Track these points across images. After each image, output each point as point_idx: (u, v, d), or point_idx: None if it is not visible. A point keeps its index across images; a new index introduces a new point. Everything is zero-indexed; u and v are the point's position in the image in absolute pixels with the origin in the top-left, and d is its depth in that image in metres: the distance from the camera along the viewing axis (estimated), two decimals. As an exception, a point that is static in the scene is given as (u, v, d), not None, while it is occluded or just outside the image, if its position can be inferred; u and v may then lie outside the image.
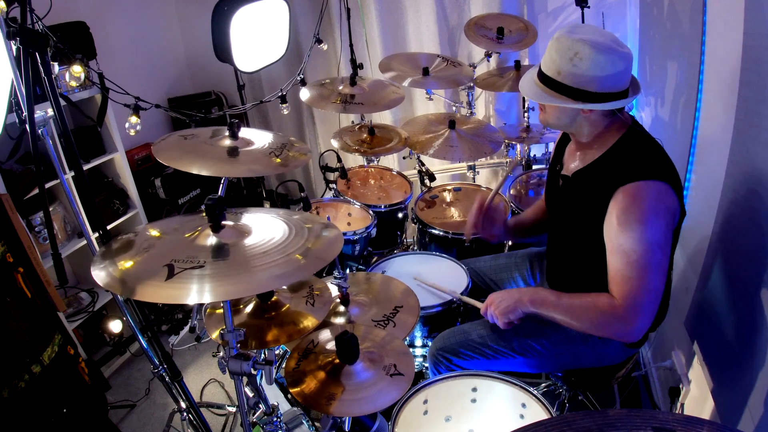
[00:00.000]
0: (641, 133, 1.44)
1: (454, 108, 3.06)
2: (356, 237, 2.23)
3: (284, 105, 2.83)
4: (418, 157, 2.71)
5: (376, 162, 2.81)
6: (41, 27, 1.91)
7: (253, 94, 3.56)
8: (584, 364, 1.63)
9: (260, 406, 1.37)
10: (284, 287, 1.56)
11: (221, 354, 1.21)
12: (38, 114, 1.35)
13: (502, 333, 1.60)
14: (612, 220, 1.34)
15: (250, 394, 1.37)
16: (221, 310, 1.40)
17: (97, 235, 1.46)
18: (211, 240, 1.13)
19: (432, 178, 2.67)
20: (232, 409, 2.36)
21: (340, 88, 2.48)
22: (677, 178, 1.36)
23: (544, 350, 1.59)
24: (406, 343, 1.53)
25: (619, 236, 1.32)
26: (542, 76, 1.40)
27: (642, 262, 1.30)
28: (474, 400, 1.50)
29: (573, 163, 1.55)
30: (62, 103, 1.73)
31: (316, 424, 1.56)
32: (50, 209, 2.42)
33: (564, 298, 1.44)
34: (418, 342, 1.89)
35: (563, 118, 1.45)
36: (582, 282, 1.54)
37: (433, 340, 1.71)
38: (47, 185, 2.29)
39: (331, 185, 2.68)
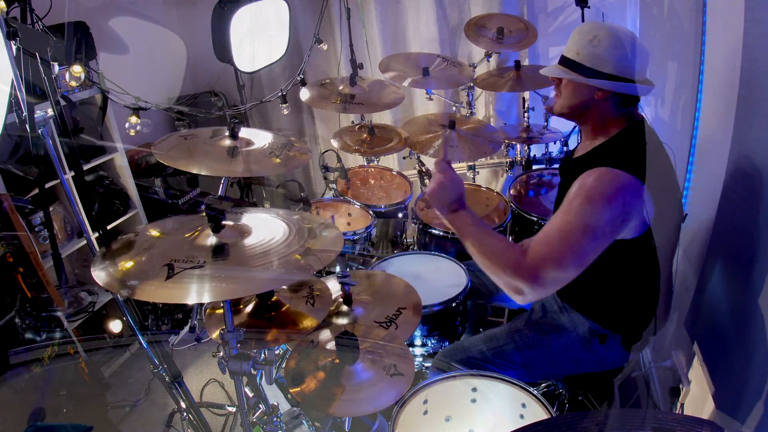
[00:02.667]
0: (642, 132, 1.43)
1: (454, 108, 3.06)
2: (356, 237, 2.23)
3: (284, 105, 2.83)
4: (418, 157, 2.71)
5: (376, 162, 2.81)
6: (41, 27, 1.91)
7: (253, 94, 3.56)
8: (585, 370, 1.62)
9: (260, 406, 1.37)
10: (284, 287, 1.56)
11: (221, 354, 1.22)
12: (38, 114, 1.35)
13: (503, 348, 1.60)
14: (571, 189, 1.35)
15: (250, 394, 1.38)
16: (221, 310, 1.40)
17: (97, 235, 1.46)
18: (211, 240, 1.13)
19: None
20: (232, 409, 2.35)
21: (340, 88, 2.48)
22: (646, 183, 1.30)
23: (545, 360, 1.59)
24: (405, 342, 1.53)
25: (565, 204, 1.33)
26: (563, 59, 1.46)
27: (569, 236, 1.27)
28: (474, 400, 1.49)
29: (579, 153, 1.56)
30: (62, 103, 1.73)
31: (316, 424, 1.56)
32: (50, 209, 2.42)
33: (483, 230, 1.39)
34: (418, 341, 1.88)
35: (575, 101, 1.46)
36: (582, 280, 1.54)
37: (433, 359, 1.70)
38: (47, 185, 2.28)
39: (331, 185, 2.67)
